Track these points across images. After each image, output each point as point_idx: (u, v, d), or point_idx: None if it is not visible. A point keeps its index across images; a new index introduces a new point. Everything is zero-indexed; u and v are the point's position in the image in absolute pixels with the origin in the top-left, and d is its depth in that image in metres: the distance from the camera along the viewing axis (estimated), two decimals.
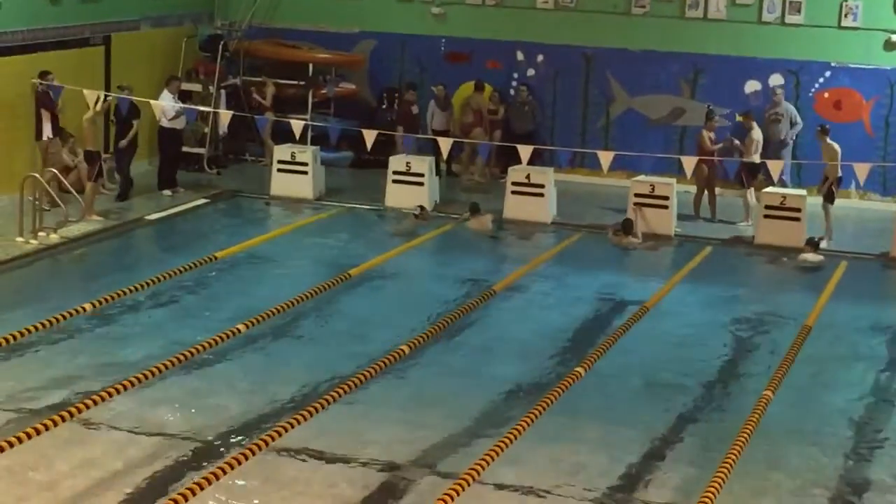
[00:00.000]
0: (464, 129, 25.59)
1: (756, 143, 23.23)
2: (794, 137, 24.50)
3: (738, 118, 24.24)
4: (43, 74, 21.34)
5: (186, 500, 10.34)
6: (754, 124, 23.48)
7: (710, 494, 10.71)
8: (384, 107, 26.81)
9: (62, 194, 20.41)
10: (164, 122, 23.06)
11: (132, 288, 16.36)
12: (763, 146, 23.82)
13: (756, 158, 23.06)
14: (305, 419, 12.13)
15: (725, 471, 11.20)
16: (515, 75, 26.44)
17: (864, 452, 13.27)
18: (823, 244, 21.18)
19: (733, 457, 11.51)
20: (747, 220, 22.77)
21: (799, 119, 24.43)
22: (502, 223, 22.53)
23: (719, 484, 10.94)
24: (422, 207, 22.35)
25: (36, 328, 14.42)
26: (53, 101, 21.34)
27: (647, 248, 21.49)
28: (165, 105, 22.56)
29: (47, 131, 21.08)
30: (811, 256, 20.65)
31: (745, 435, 12.08)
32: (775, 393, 13.47)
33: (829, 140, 22.32)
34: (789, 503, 11.95)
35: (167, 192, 23.20)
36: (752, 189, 23.04)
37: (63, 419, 11.80)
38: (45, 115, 21.13)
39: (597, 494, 11.91)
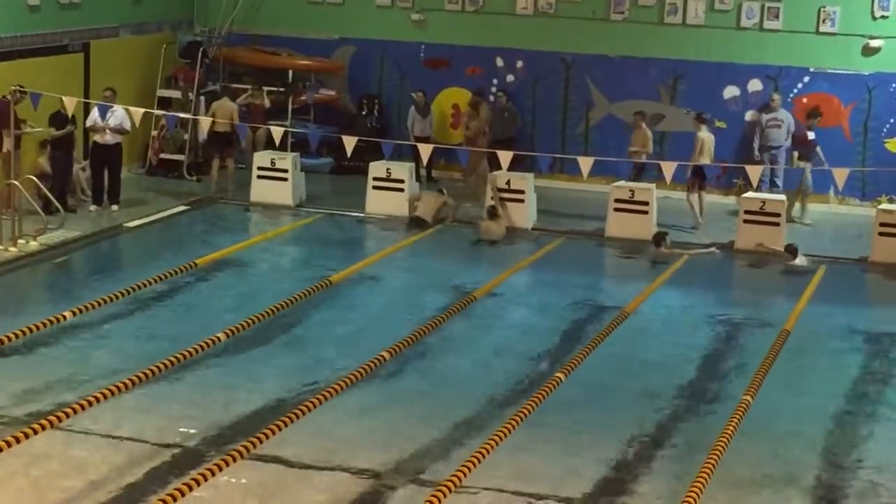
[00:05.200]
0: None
1: (702, 145, 23.55)
2: (789, 144, 24.62)
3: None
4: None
5: None
6: (704, 127, 23.73)
7: (690, 500, 10.74)
8: (364, 113, 26.85)
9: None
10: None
11: (112, 296, 16.35)
12: (761, 151, 24.29)
13: (705, 160, 23.36)
14: (286, 425, 12.13)
15: (705, 476, 11.24)
16: (495, 81, 26.48)
17: (843, 455, 13.32)
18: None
19: (713, 462, 11.55)
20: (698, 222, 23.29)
21: (794, 128, 24.56)
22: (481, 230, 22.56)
23: (699, 489, 10.97)
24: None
25: (16, 335, 14.41)
26: (15, 115, 20.63)
27: (627, 254, 21.58)
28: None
29: (7, 144, 20.60)
30: (798, 261, 20.76)
31: (725, 440, 12.13)
32: (754, 397, 13.53)
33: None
34: None
35: (94, 208, 22.51)
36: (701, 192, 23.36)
37: (43, 427, 11.79)
38: (5, 130, 20.57)
39: (578, 499, 11.92)
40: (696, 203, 23.27)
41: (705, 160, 23.37)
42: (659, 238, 21.48)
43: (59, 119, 21.54)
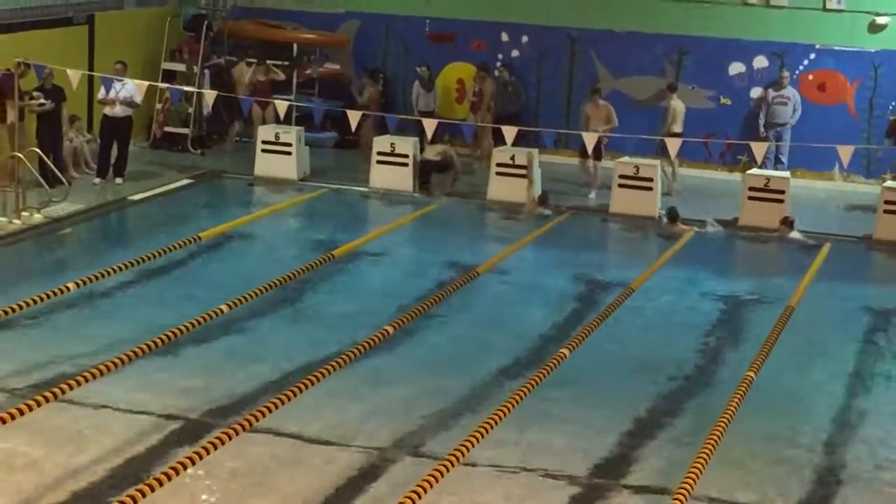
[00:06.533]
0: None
1: (674, 113, 23.94)
2: (795, 122, 24.59)
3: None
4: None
5: (170, 478, 10.35)
6: (675, 95, 24.06)
7: (691, 477, 10.73)
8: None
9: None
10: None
11: (116, 268, 16.34)
12: (766, 128, 24.50)
13: (677, 129, 23.71)
14: (289, 399, 12.12)
15: (707, 453, 11.21)
16: (500, 56, 26.41)
17: (845, 431, 13.32)
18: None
19: (715, 439, 11.53)
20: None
21: (800, 106, 24.54)
22: (486, 204, 22.56)
23: (701, 466, 10.95)
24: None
25: (20, 307, 14.40)
26: (19, 88, 20.59)
27: (630, 230, 21.59)
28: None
29: (11, 116, 20.60)
30: (795, 235, 20.80)
31: (728, 416, 12.11)
32: (757, 374, 13.52)
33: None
34: (771, 483, 11.98)
35: (98, 181, 22.48)
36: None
37: (46, 399, 11.78)
38: (10, 102, 20.58)
39: (580, 476, 11.91)
40: (669, 171, 23.40)
41: (677, 129, 23.49)
42: (674, 215, 21.37)
43: (42, 94, 21.43)
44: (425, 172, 22.98)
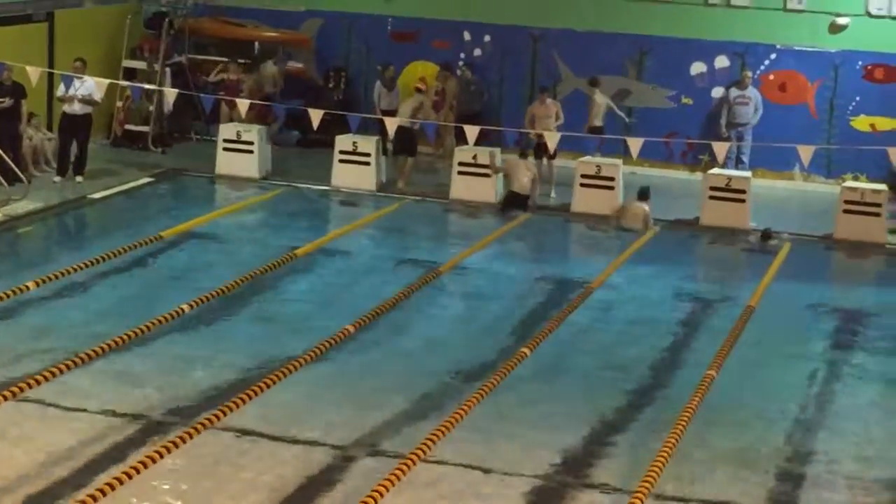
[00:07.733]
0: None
1: (598, 108, 24.34)
2: (756, 122, 24.67)
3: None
4: None
5: (130, 477, 10.33)
6: (597, 90, 24.38)
7: (651, 476, 10.77)
8: (331, 86, 26.76)
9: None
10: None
11: (76, 267, 16.26)
12: (728, 128, 24.50)
13: (598, 123, 24.24)
14: (250, 398, 12.10)
15: (667, 452, 11.25)
16: (462, 55, 26.41)
17: (805, 430, 13.38)
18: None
19: (675, 437, 11.58)
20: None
21: (761, 106, 24.61)
22: (449, 204, 22.58)
23: (661, 465, 10.99)
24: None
25: None
26: None
27: (591, 228, 21.64)
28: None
29: None
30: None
31: (688, 415, 12.16)
32: (718, 372, 13.57)
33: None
34: (732, 481, 12.02)
35: (58, 179, 22.30)
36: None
37: (5, 398, 11.72)
38: None
39: (542, 475, 11.92)
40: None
41: (598, 122, 24.09)
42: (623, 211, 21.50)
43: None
44: (400, 138, 22.93)
